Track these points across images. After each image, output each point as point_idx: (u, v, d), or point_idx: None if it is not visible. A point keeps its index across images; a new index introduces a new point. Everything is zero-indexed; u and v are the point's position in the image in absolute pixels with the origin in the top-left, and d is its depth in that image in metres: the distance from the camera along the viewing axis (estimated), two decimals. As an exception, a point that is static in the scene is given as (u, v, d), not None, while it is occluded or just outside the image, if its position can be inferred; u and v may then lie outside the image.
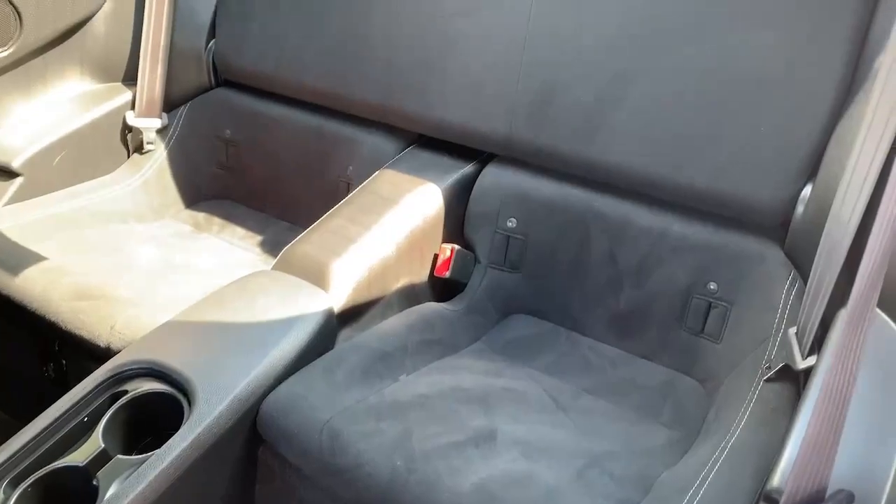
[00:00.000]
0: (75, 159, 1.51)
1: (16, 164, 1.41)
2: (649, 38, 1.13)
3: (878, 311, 0.80)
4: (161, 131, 1.62)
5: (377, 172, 1.35)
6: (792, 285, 1.06)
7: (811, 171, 1.06)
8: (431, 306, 1.24)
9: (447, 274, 1.29)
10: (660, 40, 1.13)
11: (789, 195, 1.07)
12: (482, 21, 1.27)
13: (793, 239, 1.09)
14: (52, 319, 1.17)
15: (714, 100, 1.10)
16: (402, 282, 1.24)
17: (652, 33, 1.13)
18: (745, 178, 1.09)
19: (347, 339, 1.12)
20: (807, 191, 1.06)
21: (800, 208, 1.07)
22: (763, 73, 1.06)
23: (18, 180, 1.42)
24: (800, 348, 0.93)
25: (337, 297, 1.11)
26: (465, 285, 1.32)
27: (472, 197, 1.33)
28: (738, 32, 1.07)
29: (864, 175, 0.84)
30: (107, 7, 1.56)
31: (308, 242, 1.18)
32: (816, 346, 0.88)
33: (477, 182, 1.33)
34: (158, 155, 1.61)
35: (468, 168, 1.36)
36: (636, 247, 1.21)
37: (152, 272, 1.31)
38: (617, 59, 1.16)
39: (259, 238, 1.56)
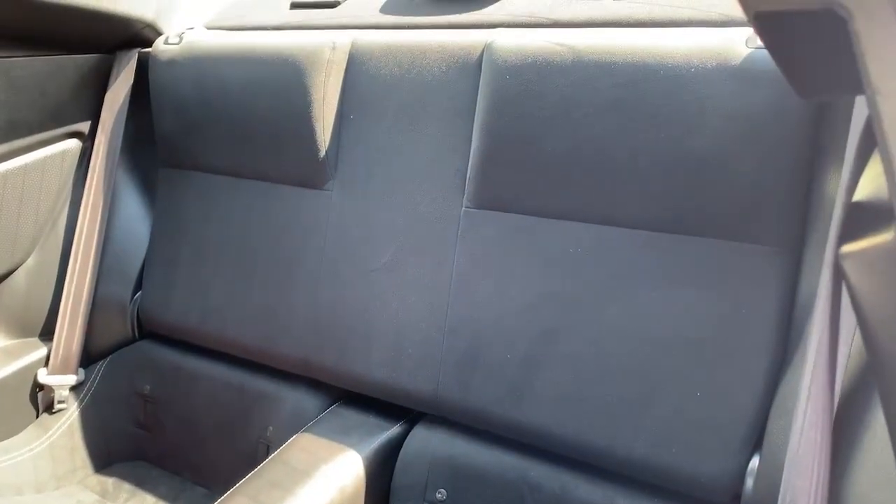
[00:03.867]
0: (-26, 423, 1.39)
1: None
2: (571, 297, 1.08)
3: None
4: (75, 388, 1.51)
5: (294, 437, 1.23)
6: (752, 576, 0.92)
7: (756, 441, 0.96)
8: None
9: (366, 561, 1.13)
10: (582, 300, 1.07)
11: (735, 468, 0.96)
12: (404, 279, 1.23)
13: (746, 518, 0.96)
14: None
15: (643, 362, 1.02)
16: (311, 574, 1.08)
17: (574, 293, 1.08)
18: (685, 449, 0.99)
19: None
20: (754, 463, 0.96)
21: (749, 482, 0.96)
22: (690, 334, 1.00)
23: None
24: None
25: None
26: (388, 572, 1.16)
27: (397, 466, 1.20)
28: (660, 291, 1.02)
29: (812, 452, 0.74)
30: (30, 261, 1.52)
31: (203, 530, 1.04)
32: None
33: (403, 447, 1.21)
34: (70, 414, 1.49)
35: (395, 429, 1.25)
36: (578, 524, 1.07)
37: (29, 564, 1.14)
38: (540, 318, 1.10)
39: (170, 508, 1.39)
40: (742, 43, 0.95)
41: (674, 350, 1.01)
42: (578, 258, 1.09)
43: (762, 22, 0.30)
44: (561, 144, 1.07)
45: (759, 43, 0.93)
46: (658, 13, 1.11)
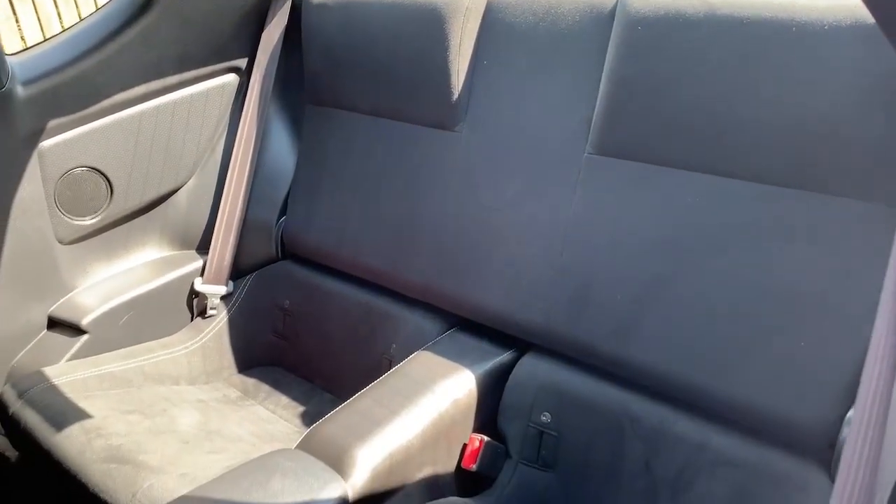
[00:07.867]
0: (141, 320, 1.60)
1: (84, 323, 1.50)
2: (685, 245, 1.13)
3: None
4: (225, 298, 1.70)
5: (414, 354, 1.36)
6: (838, 519, 0.96)
7: (855, 393, 0.99)
8: (453, 502, 1.19)
9: (474, 466, 1.25)
10: (695, 248, 1.12)
11: (833, 417, 1.00)
12: (524, 218, 1.31)
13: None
14: (83, 480, 1.19)
15: (750, 310, 1.07)
16: (424, 471, 1.20)
17: (688, 240, 1.13)
18: (785, 395, 1.03)
19: (360, 531, 1.08)
20: (852, 413, 0.99)
21: (845, 431, 0.99)
22: (800, 287, 1.03)
23: (84, 337, 1.51)
24: None
25: (354, 485, 1.08)
26: (493, 480, 1.27)
27: (507, 387, 1.30)
28: (773, 243, 1.05)
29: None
30: (191, 182, 1.70)
31: (333, 423, 1.18)
32: None
33: (513, 372, 1.31)
34: (219, 320, 1.68)
35: (506, 356, 1.35)
36: (673, 456, 1.14)
37: (186, 438, 1.33)
38: (652, 263, 1.16)
39: (301, 409, 1.57)
40: None
41: (782, 301, 1.05)
42: (695, 207, 1.13)
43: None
44: (687, 97, 1.11)
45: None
46: None
